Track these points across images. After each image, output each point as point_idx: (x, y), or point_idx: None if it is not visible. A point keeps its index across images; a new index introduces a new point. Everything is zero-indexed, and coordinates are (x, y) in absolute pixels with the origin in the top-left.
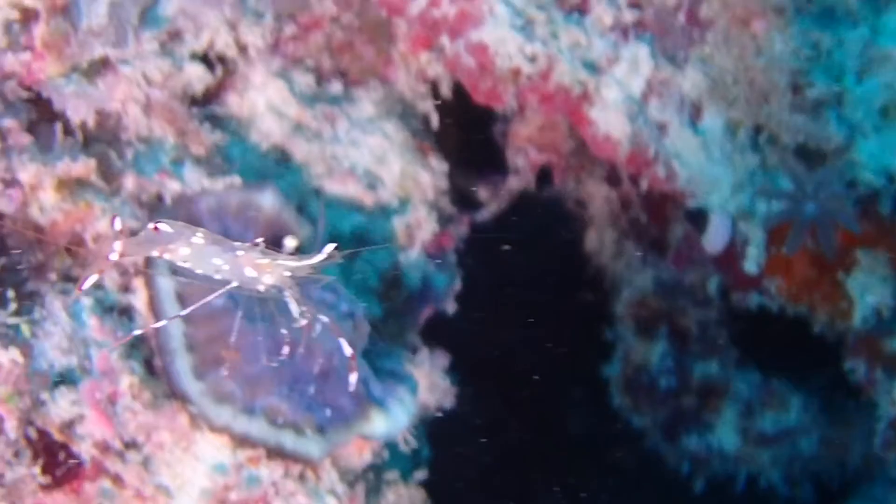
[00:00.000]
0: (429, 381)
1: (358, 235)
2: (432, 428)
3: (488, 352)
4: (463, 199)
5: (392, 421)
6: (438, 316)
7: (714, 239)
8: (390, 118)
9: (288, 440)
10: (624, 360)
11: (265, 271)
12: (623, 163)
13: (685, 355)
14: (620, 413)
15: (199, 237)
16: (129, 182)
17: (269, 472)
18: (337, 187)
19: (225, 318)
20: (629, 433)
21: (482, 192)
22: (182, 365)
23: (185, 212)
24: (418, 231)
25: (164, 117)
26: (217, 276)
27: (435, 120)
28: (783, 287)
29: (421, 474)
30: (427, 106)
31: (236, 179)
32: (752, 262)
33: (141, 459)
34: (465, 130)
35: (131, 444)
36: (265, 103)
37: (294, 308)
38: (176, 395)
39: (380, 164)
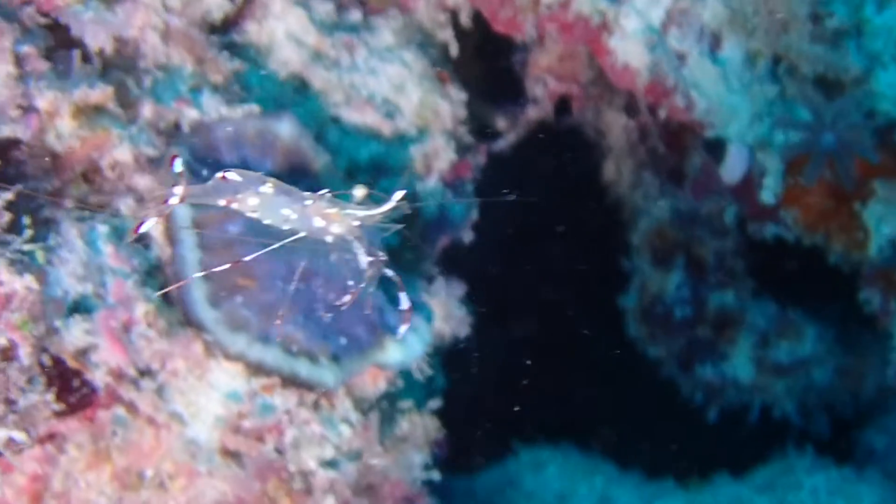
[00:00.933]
0: (444, 311)
1: (375, 164)
2: (447, 357)
3: (505, 281)
4: (481, 129)
5: (407, 350)
6: (455, 245)
7: (731, 169)
8: (409, 47)
9: (302, 368)
10: (640, 290)
11: (334, 221)
12: (642, 92)
13: (701, 285)
14: (636, 343)
15: (267, 187)
16: (147, 110)
17: (284, 400)
18: (355, 116)
19: (241, 246)
20: (644, 363)
21: (501, 122)
22: (197, 293)
23: (202, 139)
24: (436, 160)
25: (182, 45)
26: (285, 227)
27: (454, 49)
28: (800, 217)
29: (435, 403)
30: (447, 35)
31: (254, 107)
32: (769, 193)
33: (155, 387)
34: (484, 60)
35: (146, 372)
36: (284, 31)
37: (362, 258)
38: (191, 322)
39: (398, 92)
